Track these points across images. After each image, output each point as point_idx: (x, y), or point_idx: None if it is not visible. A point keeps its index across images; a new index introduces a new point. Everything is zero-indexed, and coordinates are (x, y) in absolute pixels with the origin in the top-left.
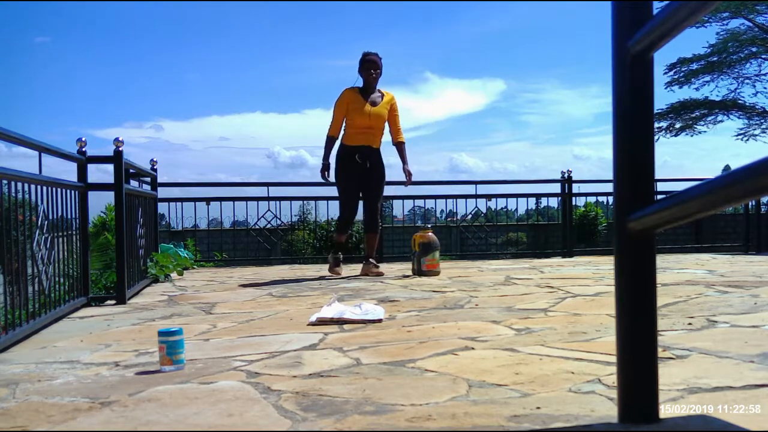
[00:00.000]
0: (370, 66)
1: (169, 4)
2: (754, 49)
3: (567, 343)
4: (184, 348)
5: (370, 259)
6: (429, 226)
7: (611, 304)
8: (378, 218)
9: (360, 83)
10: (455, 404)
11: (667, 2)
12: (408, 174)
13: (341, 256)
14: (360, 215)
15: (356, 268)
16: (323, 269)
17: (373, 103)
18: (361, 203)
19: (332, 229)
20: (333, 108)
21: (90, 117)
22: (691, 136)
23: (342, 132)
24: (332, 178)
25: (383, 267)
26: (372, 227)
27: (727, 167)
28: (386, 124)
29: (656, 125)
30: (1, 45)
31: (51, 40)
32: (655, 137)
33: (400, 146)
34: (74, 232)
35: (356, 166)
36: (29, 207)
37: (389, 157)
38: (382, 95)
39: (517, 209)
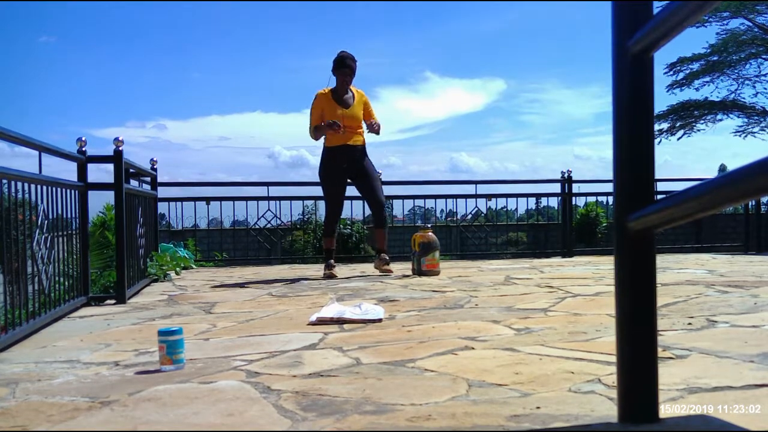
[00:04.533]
0: (346, 71)
1: (172, 4)
2: (753, 50)
3: (567, 343)
4: (184, 347)
5: (382, 254)
6: (429, 225)
7: (611, 304)
8: (383, 213)
9: (333, 83)
10: (455, 404)
11: (667, 2)
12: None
13: (333, 262)
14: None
15: (356, 268)
16: (323, 269)
17: (346, 105)
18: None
19: None
20: (309, 111)
21: (92, 117)
22: (689, 135)
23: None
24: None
25: None
26: (378, 222)
27: (722, 167)
28: (363, 123)
29: (657, 127)
30: (5, 44)
31: (55, 39)
32: (657, 139)
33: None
34: (74, 232)
35: (340, 167)
36: (29, 206)
37: (390, 156)
38: (353, 95)
39: (517, 209)
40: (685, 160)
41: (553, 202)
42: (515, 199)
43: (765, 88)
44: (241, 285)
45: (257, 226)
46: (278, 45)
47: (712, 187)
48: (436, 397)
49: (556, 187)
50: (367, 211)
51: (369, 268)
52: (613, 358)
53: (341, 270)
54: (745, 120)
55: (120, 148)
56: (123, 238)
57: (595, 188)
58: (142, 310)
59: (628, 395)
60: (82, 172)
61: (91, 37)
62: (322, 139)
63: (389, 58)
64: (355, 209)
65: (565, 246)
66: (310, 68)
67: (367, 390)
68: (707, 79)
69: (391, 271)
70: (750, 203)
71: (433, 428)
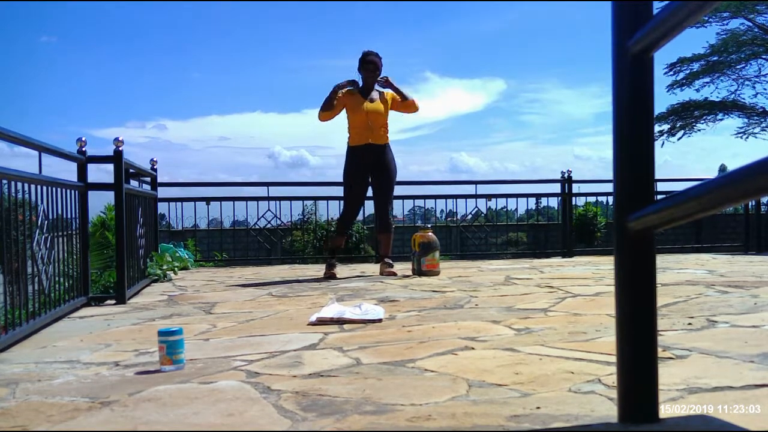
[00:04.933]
0: (370, 66)
1: (172, 4)
2: (753, 50)
3: (567, 343)
4: (184, 348)
5: (386, 259)
6: (429, 226)
7: (611, 304)
8: (389, 218)
9: (360, 81)
10: (455, 404)
11: (667, 2)
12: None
13: (335, 262)
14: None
15: (356, 268)
16: (323, 269)
17: (371, 100)
18: (371, 204)
19: (332, 228)
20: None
21: (92, 117)
22: (689, 136)
23: (347, 134)
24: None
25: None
26: (383, 228)
27: (722, 167)
28: (388, 118)
29: (658, 128)
30: (5, 44)
31: (56, 39)
32: (659, 141)
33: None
34: (74, 232)
35: (363, 167)
36: (29, 206)
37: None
38: (381, 93)
39: (517, 209)
40: (685, 160)
41: (553, 202)
42: (515, 199)
43: (765, 89)
44: (241, 285)
45: (257, 226)
46: (278, 45)
47: (712, 187)
48: (436, 397)
49: (556, 187)
50: (368, 211)
51: (369, 268)
52: (613, 358)
53: (341, 270)
54: (746, 120)
55: (120, 149)
56: (123, 238)
57: (595, 188)
58: (142, 310)
59: (628, 395)
60: (82, 173)
61: (91, 37)
62: (345, 140)
63: (389, 58)
64: None
65: (565, 246)
66: (310, 68)
67: (367, 390)
68: (707, 79)
69: (396, 274)
70: (750, 203)
71: (433, 428)
